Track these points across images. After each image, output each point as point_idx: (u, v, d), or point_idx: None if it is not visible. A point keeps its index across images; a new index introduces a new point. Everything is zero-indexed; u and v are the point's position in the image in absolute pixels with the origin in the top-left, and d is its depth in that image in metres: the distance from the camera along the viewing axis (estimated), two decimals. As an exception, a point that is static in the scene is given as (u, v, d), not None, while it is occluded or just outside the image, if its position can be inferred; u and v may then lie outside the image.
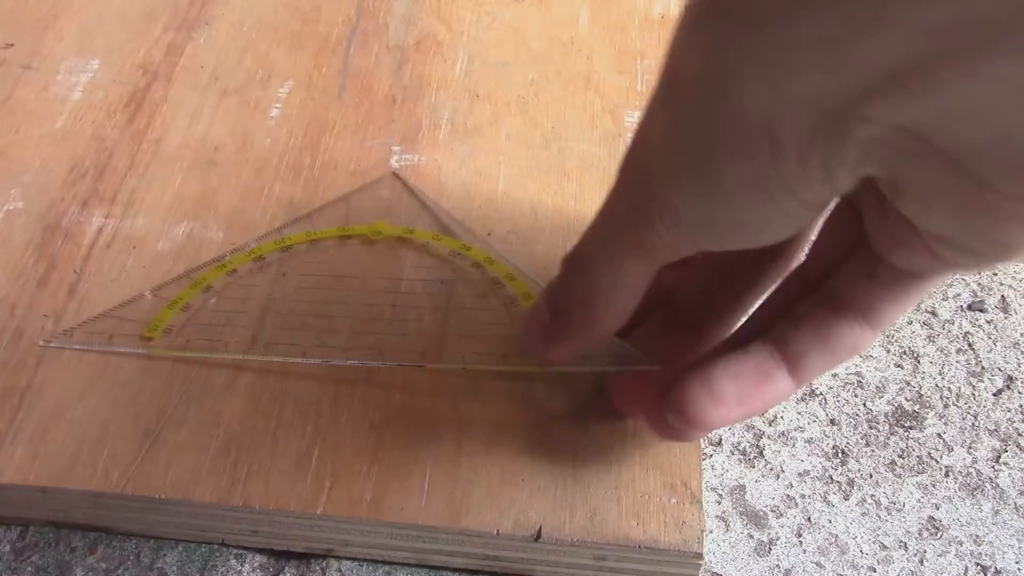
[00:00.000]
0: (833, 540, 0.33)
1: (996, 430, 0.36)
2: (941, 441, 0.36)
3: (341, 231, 0.38)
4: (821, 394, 0.37)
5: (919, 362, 0.38)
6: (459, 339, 0.34)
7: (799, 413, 0.36)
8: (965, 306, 0.40)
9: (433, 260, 0.37)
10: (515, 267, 0.36)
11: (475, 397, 0.33)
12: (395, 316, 0.35)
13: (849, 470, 0.35)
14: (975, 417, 0.37)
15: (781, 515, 0.34)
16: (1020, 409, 0.37)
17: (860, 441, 0.36)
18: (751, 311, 0.30)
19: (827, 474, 0.35)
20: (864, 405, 0.37)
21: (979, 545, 0.33)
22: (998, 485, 0.35)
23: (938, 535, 0.33)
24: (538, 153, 0.42)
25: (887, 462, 0.35)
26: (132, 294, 0.36)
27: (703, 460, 0.32)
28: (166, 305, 0.35)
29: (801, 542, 0.33)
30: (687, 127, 0.22)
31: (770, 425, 0.36)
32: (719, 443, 0.36)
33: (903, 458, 0.35)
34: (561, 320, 0.28)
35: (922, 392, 0.37)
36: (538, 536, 0.30)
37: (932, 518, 0.34)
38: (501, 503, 0.30)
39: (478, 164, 0.41)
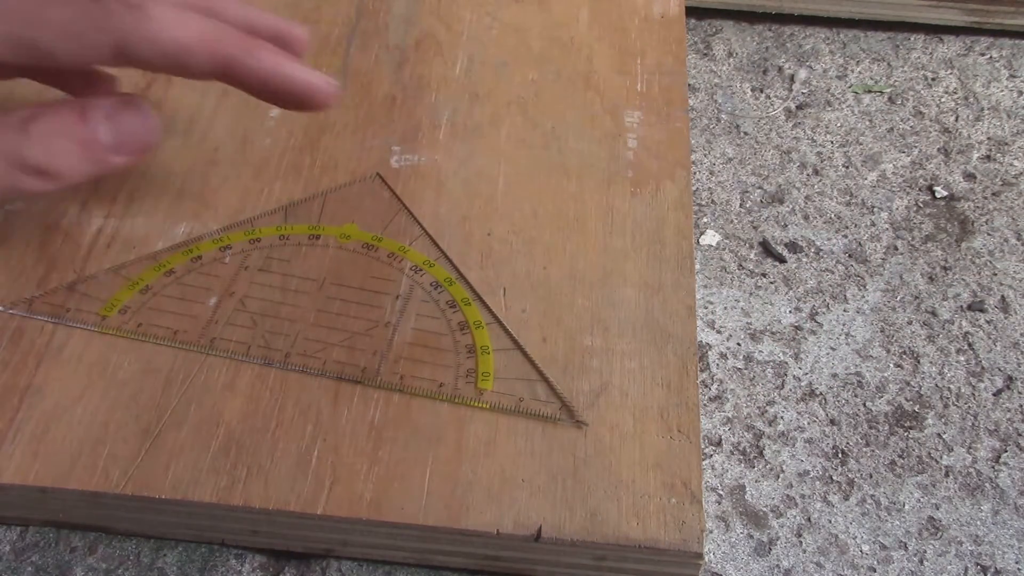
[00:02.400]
0: (833, 540, 0.33)
1: (996, 430, 0.36)
2: (941, 441, 0.36)
3: (311, 229, 0.38)
4: (821, 394, 0.37)
5: (919, 362, 0.38)
6: (401, 360, 0.34)
7: (799, 413, 0.37)
8: (965, 306, 0.40)
9: (394, 273, 0.36)
10: (474, 292, 0.36)
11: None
12: (344, 326, 0.35)
13: (849, 470, 0.35)
14: (975, 417, 0.37)
15: (781, 515, 0.34)
16: (1020, 409, 0.37)
17: (860, 441, 0.36)
18: None
19: (827, 474, 0.35)
20: (864, 405, 0.37)
21: (979, 545, 0.33)
22: (998, 485, 0.35)
23: (938, 535, 0.33)
24: (538, 153, 0.42)
25: (887, 462, 0.35)
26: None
27: (703, 460, 0.32)
28: (126, 284, 0.36)
29: (801, 542, 0.33)
30: None
31: (770, 425, 0.36)
32: (719, 443, 0.36)
33: (903, 458, 0.35)
34: None
35: (922, 392, 0.37)
36: (538, 536, 0.30)
37: (932, 518, 0.34)
38: (501, 503, 0.30)
39: (478, 164, 0.41)
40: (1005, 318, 0.40)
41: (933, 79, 0.50)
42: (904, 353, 0.38)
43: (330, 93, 0.34)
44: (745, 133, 0.47)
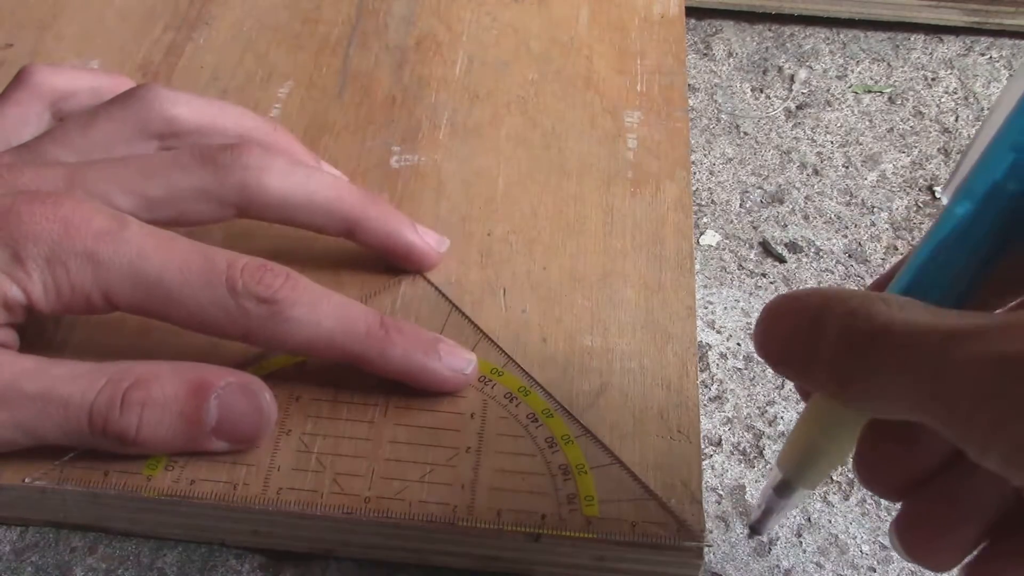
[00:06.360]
0: (833, 540, 0.33)
1: (996, 430, 0.36)
2: (941, 441, 0.36)
3: None
4: (821, 394, 0.37)
5: (919, 362, 0.38)
6: (493, 491, 0.30)
7: (799, 413, 0.36)
8: (965, 306, 0.40)
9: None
10: (553, 399, 0.33)
11: (475, 397, 0.33)
12: (421, 457, 0.31)
13: (849, 470, 0.35)
14: (975, 417, 0.37)
15: (781, 515, 0.34)
16: (1020, 409, 0.37)
17: (860, 441, 0.36)
18: None
19: (827, 474, 0.35)
20: (864, 405, 0.37)
21: (979, 545, 0.33)
22: (998, 485, 0.35)
23: (938, 535, 0.33)
24: (538, 153, 0.42)
25: (887, 462, 0.35)
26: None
27: (703, 460, 0.32)
28: None
29: (801, 542, 0.33)
30: None
31: (770, 425, 0.36)
32: (719, 443, 0.36)
33: (903, 458, 0.35)
34: None
35: (922, 392, 0.37)
36: (538, 536, 0.30)
37: (932, 518, 0.34)
38: (501, 503, 0.30)
39: (478, 164, 0.41)
40: (1005, 318, 0.40)
41: (933, 79, 0.50)
42: (904, 353, 0.38)
43: (436, 260, 0.36)
44: (745, 133, 0.47)
